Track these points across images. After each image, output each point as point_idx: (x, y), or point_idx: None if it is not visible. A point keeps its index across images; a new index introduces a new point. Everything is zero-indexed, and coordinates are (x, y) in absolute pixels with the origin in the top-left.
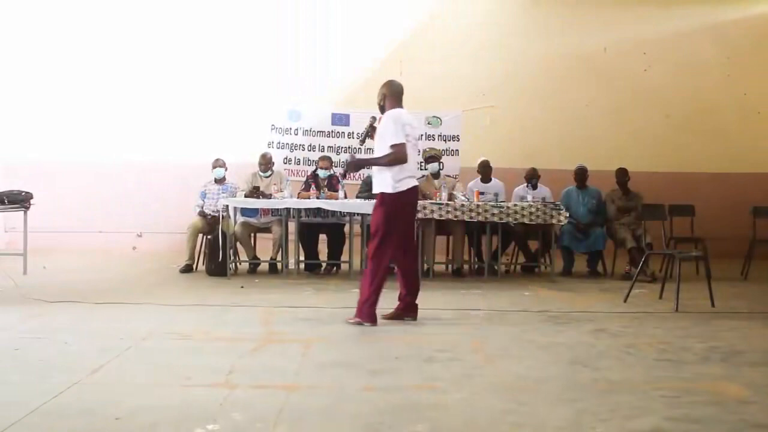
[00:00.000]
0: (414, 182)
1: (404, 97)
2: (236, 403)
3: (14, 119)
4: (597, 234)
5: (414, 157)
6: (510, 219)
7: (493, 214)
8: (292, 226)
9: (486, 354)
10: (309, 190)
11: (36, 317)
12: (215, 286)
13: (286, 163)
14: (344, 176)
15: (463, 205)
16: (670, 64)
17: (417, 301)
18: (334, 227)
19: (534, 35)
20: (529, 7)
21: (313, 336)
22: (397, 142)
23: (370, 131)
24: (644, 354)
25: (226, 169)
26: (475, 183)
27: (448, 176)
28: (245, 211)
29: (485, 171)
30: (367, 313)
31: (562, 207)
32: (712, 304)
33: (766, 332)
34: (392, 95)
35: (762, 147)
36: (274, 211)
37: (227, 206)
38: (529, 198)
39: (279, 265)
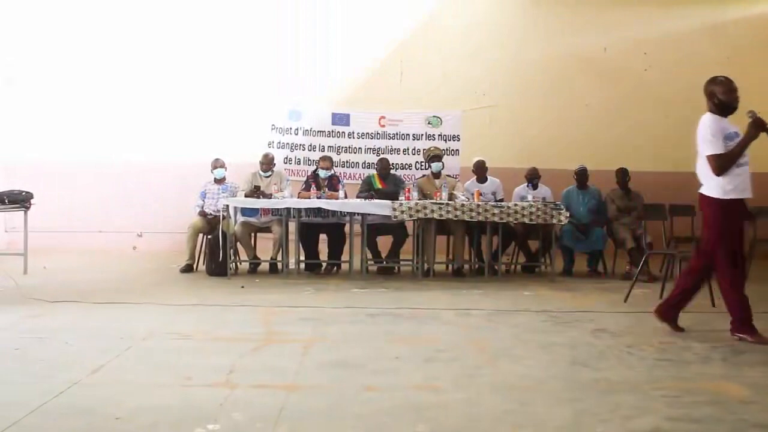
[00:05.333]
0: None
1: (404, 97)
2: (236, 403)
3: (14, 119)
4: (597, 234)
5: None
6: (510, 219)
7: (493, 214)
8: (292, 226)
9: (486, 354)
10: (309, 190)
11: (36, 317)
12: (215, 286)
13: (286, 163)
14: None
15: (463, 205)
16: (670, 64)
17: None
18: (334, 227)
19: (534, 35)
20: (529, 7)
21: (314, 336)
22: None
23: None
24: (644, 354)
25: (225, 170)
26: (472, 183)
27: (449, 176)
28: (245, 211)
29: (481, 171)
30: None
31: (562, 207)
32: (713, 304)
33: (766, 332)
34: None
35: (762, 147)
36: (275, 211)
37: (227, 206)
38: (530, 198)
39: (279, 265)
